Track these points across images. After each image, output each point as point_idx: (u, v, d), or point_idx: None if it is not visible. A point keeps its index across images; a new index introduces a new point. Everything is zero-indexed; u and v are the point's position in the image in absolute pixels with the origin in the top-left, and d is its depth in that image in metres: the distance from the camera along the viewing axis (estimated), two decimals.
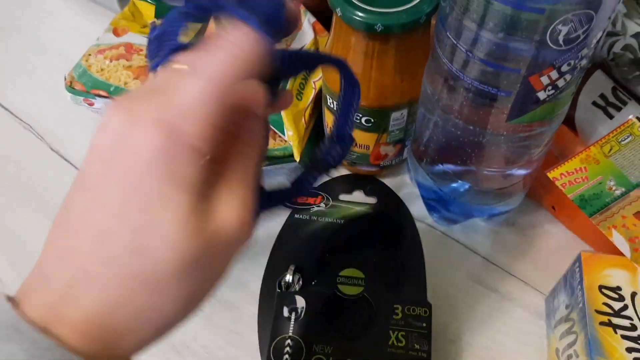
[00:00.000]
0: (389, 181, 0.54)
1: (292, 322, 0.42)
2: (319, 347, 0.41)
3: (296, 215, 0.52)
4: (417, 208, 0.51)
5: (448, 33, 0.36)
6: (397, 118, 0.46)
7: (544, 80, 0.34)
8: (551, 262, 0.48)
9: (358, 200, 0.52)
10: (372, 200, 0.52)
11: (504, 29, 0.32)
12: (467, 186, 0.45)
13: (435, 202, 0.49)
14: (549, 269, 0.47)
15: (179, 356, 0.44)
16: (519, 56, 0.33)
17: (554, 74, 0.34)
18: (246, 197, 0.25)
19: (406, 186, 0.53)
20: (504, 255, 0.49)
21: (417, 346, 0.41)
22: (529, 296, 0.46)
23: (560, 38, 0.32)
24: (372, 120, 0.46)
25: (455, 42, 0.35)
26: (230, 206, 0.24)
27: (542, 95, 0.35)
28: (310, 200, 0.52)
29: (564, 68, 0.34)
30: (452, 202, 0.48)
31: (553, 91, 0.35)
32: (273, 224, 0.51)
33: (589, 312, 0.37)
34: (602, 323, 0.37)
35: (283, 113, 0.50)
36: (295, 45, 0.53)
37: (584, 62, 0.35)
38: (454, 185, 0.46)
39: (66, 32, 0.68)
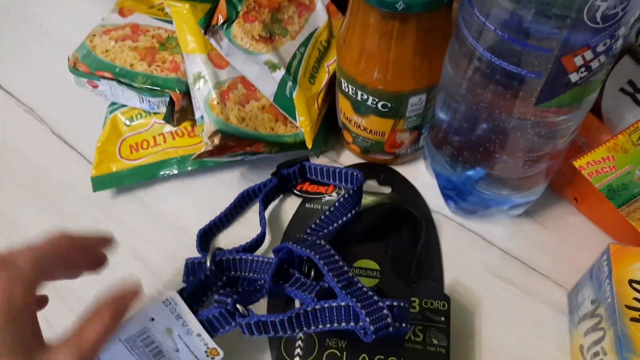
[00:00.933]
0: (403, 170, 0.52)
1: None
2: (333, 341, 0.39)
3: (307, 205, 0.50)
4: (433, 198, 0.49)
5: (476, 11, 0.34)
6: (415, 103, 0.44)
7: (578, 61, 0.32)
8: (573, 256, 0.46)
9: (371, 189, 0.50)
10: (386, 189, 0.50)
11: (538, 4, 0.30)
12: (487, 175, 0.43)
13: (452, 192, 0.47)
14: (571, 263, 0.45)
15: None
16: (552, 35, 0.31)
17: (588, 55, 0.32)
18: None
19: (421, 175, 0.51)
20: (523, 248, 0.47)
21: (435, 341, 0.39)
22: (550, 291, 0.44)
23: (599, 15, 0.30)
24: (389, 106, 0.44)
25: (483, 21, 0.33)
26: None
27: (574, 77, 0.33)
28: (322, 189, 0.50)
29: (600, 48, 0.32)
30: (470, 192, 0.46)
31: (586, 73, 0.33)
32: (284, 213, 0.50)
33: (619, 307, 0.35)
34: (632, 319, 0.35)
35: (295, 98, 0.48)
36: (308, 27, 0.51)
37: (619, 42, 0.33)
38: (474, 173, 0.44)
39: (69, 14, 0.66)
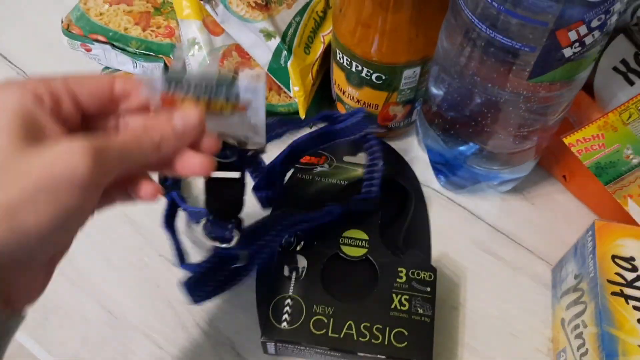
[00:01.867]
0: (395, 144, 0.52)
1: (293, 282, 0.41)
2: (320, 307, 0.40)
3: (298, 175, 0.50)
4: (424, 172, 0.50)
5: None
6: (409, 76, 0.44)
7: (572, 35, 0.32)
8: (559, 232, 0.46)
9: (363, 162, 0.50)
10: None
11: None
12: (478, 149, 0.44)
13: (442, 166, 0.48)
14: (556, 239, 0.46)
15: (172, 310, 0.43)
16: (548, 8, 0.31)
17: (582, 29, 0.32)
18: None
19: (412, 150, 0.51)
20: (510, 224, 0.47)
21: (420, 310, 0.39)
22: (534, 265, 0.45)
23: None
24: (383, 78, 0.44)
25: None
26: None
27: (567, 52, 0.33)
28: (314, 160, 0.50)
29: (594, 23, 0.32)
30: (461, 167, 0.46)
31: (579, 48, 0.33)
32: None
33: (601, 281, 0.36)
34: (613, 293, 0.36)
35: (290, 67, 0.47)
36: (299, 1, 0.50)
37: (613, 18, 0.33)
38: (465, 147, 0.44)
39: None
